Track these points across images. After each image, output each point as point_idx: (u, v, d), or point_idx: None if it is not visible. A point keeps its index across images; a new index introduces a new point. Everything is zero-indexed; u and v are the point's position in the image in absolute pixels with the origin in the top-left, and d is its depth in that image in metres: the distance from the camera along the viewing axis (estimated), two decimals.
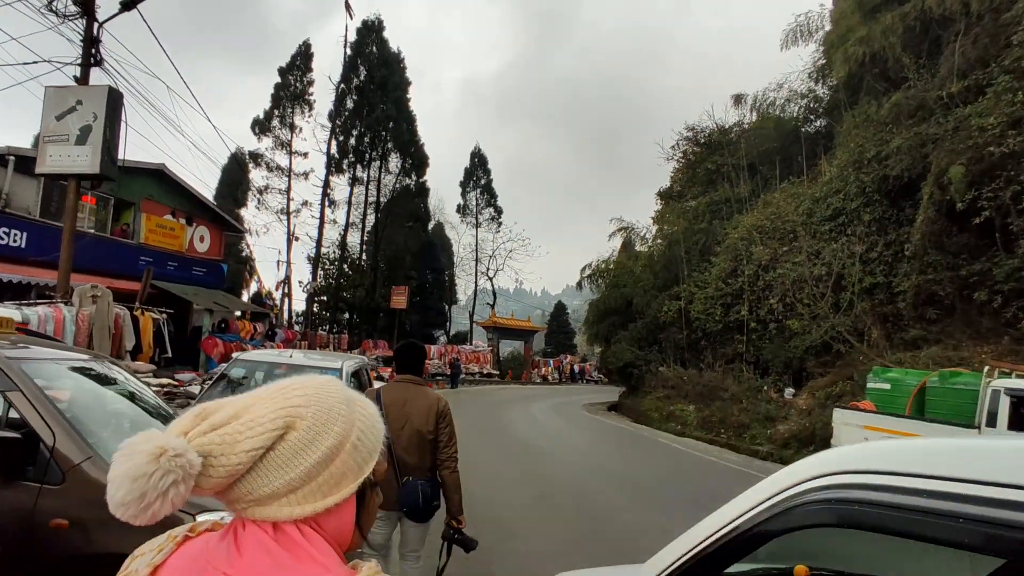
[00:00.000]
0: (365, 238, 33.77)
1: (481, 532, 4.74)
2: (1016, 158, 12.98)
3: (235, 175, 36.79)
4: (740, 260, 21.19)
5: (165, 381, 8.41)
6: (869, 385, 9.59)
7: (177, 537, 0.84)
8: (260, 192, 30.39)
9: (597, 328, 30.10)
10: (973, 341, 14.33)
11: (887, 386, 9.12)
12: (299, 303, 31.53)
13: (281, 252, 28.69)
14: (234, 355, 6.94)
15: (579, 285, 31.35)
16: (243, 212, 39.71)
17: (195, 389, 9.95)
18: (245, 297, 37.55)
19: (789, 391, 17.84)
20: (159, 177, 18.97)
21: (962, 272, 14.83)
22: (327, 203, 31.14)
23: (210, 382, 6.31)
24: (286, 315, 26.35)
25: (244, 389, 6.81)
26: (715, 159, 29.75)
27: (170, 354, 13.48)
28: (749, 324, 20.19)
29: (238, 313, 23.54)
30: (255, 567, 0.75)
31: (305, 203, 30.28)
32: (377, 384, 7.12)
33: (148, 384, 7.93)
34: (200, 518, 1.19)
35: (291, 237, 29.19)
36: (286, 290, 26.72)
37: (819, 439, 13.27)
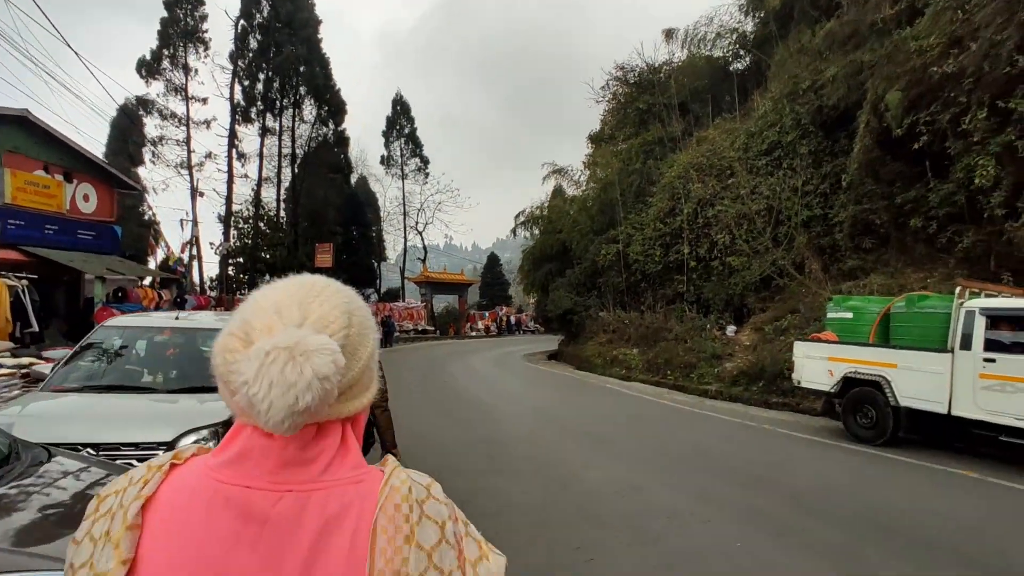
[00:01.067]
0: (283, 194, 31.23)
1: None
2: (955, 79, 12.74)
3: (128, 129, 33.06)
4: (678, 199, 20.73)
5: (27, 361, 6.86)
6: (829, 315, 9.17)
7: (163, 466, 0.78)
8: (155, 144, 27.18)
9: (533, 276, 29.36)
10: (910, 268, 14.41)
11: (849, 315, 8.70)
12: (214, 267, 28.99)
13: (188, 212, 25.89)
14: (104, 324, 5.51)
15: (513, 232, 30.35)
16: (141, 171, 36.08)
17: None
18: (152, 265, 34.38)
19: (731, 328, 17.73)
20: (24, 125, 16.21)
21: (897, 200, 14.78)
22: (235, 156, 28.35)
23: (71, 355, 4.90)
24: (196, 280, 23.94)
25: (126, 360, 5.42)
26: (646, 99, 29.04)
27: (35, 328, 11.53)
28: (689, 263, 19.89)
29: (147, 280, 21.21)
30: (333, 463, 0.77)
31: (209, 155, 27.38)
32: None
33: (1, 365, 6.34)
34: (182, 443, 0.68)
35: (195, 192, 26.36)
36: (193, 252, 24.21)
37: (768, 373, 13.09)
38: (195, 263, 25.53)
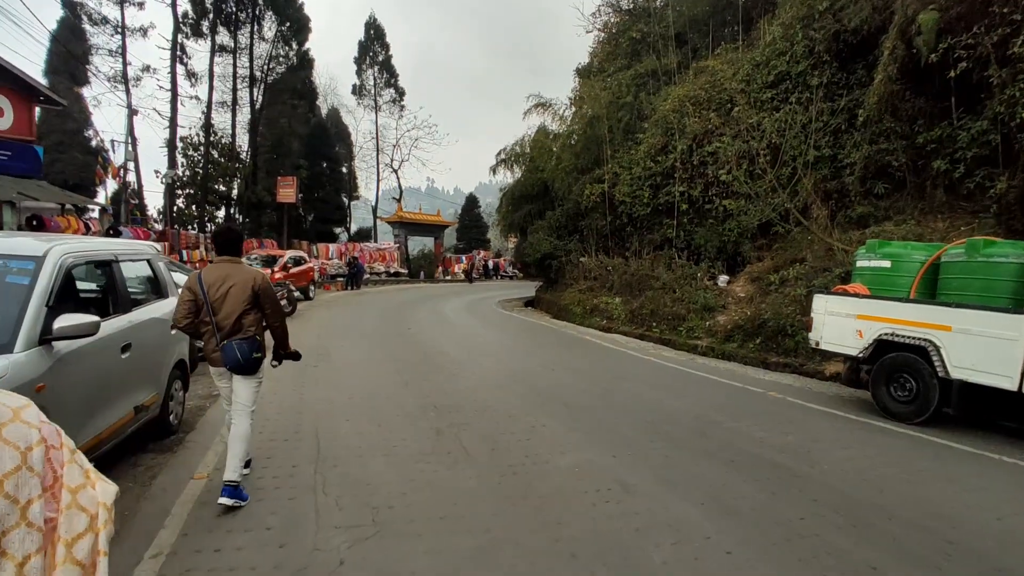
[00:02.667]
0: (239, 120, 28.52)
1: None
2: None
3: (69, 43, 29.71)
4: (672, 135, 18.84)
5: None
6: (860, 263, 7.58)
7: None
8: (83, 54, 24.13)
9: (512, 218, 27.50)
10: (926, 216, 12.91)
11: (886, 264, 7.11)
12: (159, 197, 26.43)
13: (156, 137, 23.23)
14: None
15: (493, 170, 28.21)
16: (85, 92, 32.85)
17: None
18: (102, 197, 31.65)
19: (723, 278, 16.23)
20: None
21: (918, 140, 13.17)
22: (185, 74, 25.47)
23: None
24: (123, 209, 21.57)
25: None
26: (640, 28, 26.72)
27: None
28: (680, 206, 18.19)
29: (81, 208, 18.95)
30: None
31: (147, 68, 24.47)
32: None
33: None
34: None
35: (131, 110, 23.67)
36: (125, 179, 21.74)
37: (768, 329, 11.66)
38: (128, 190, 23.06)
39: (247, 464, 4.35)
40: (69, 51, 25.02)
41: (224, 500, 3.82)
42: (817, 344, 7.55)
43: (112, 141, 21.92)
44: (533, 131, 28.13)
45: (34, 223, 15.09)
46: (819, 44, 15.88)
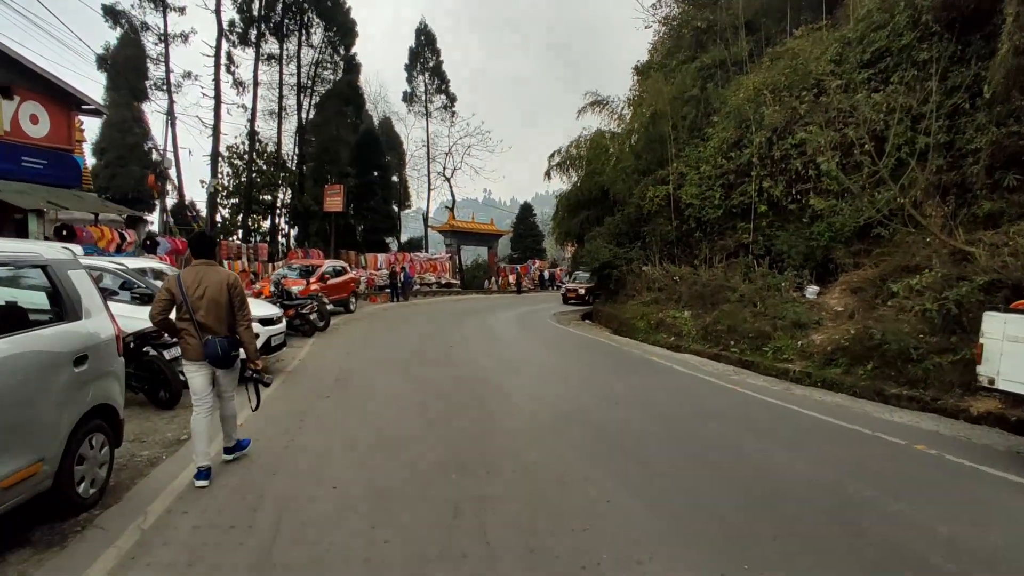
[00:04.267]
0: (285, 127, 27.89)
1: None
2: None
3: (133, 59, 30.03)
4: (747, 127, 16.70)
5: None
6: None
7: None
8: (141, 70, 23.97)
9: (568, 225, 25.72)
10: None
11: None
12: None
13: (203, 147, 22.91)
14: None
15: (547, 174, 26.53)
16: (146, 107, 33.21)
17: None
18: (159, 210, 31.82)
19: (812, 289, 13.94)
20: None
21: None
22: (232, 82, 25.09)
23: None
24: (165, 220, 21.10)
25: None
26: (705, 16, 24.64)
27: None
28: (758, 208, 15.99)
29: (116, 217, 18.41)
30: None
31: (188, 75, 24.12)
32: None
33: None
34: None
35: (171, 117, 23.27)
36: (164, 187, 21.23)
37: (886, 353, 9.43)
38: (166, 199, 22.60)
39: (238, 447, 4.95)
40: (114, 67, 25.02)
41: (227, 456, 4.87)
42: (992, 382, 5.44)
43: (150, 147, 21.47)
44: (589, 132, 26.42)
45: (64, 232, 14.42)
46: (926, 13, 13.47)
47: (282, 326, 9.29)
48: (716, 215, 17.33)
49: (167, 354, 6.42)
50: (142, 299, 7.59)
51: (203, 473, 4.39)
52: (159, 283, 8.24)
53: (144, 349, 6.40)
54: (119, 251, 15.49)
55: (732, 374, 10.73)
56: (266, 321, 8.64)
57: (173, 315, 4.54)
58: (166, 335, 6.55)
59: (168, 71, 23.67)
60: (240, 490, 4.31)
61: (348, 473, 4.71)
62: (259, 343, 7.52)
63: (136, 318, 7.26)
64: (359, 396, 7.58)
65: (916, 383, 8.75)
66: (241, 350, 4.67)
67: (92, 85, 29.53)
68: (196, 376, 4.58)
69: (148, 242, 16.64)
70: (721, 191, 17.15)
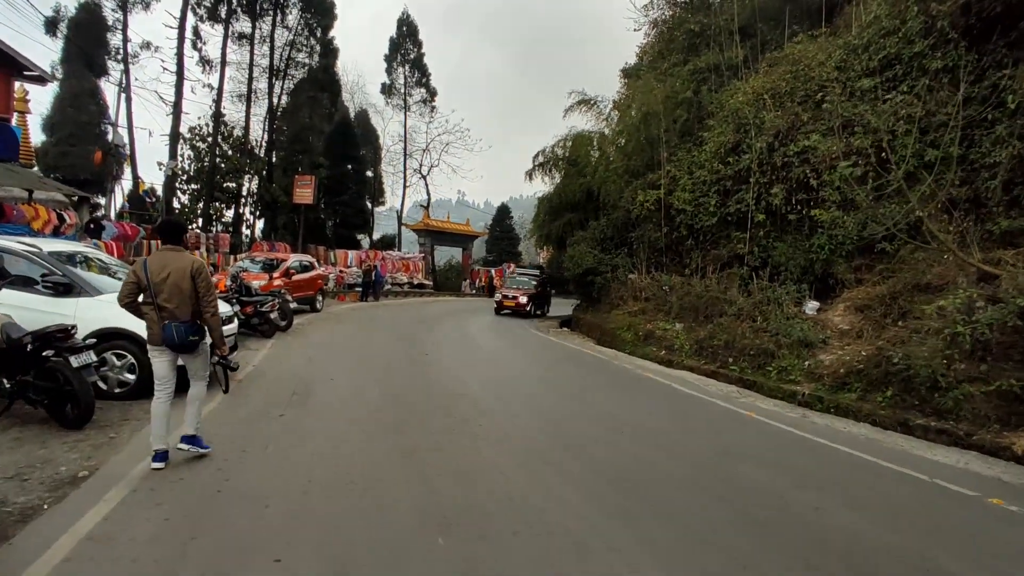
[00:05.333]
0: (254, 111, 26.20)
1: None
2: None
3: (93, 29, 28.00)
4: (746, 132, 15.87)
5: None
6: None
7: None
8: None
9: (549, 228, 24.68)
10: None
11: None
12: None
13: (162, 126, 20.99)
14: None
15: (529, 175, 25.48)
16: (104, 84, 31.15)
17: None
18: (119, 196, 29.73)
19: (811, 305, 13.13)
20: None
21: None
22: (198, 60, 23.40)
23: None
24: (116, 204, 19.40)
25: None
26: (699, 19, 23.92)
27: None
28: (756, 216, 15.16)
29: (61, 197, 16.69)
30: None
31: (147, 45, 22.33)
32: None
33: None
34: None
35: (126, 91, 21.49)
36: (115, 167, 19.50)
37: (908, 378, 8.58)
38: (115, 183, 20.90)
39: (196, 442, 4.66)
40: (68, 33, 23.17)
41: (182, 446, 4.59)
42: None
43: (108, 124, 19.65)
44: (574, 131, 25.47)
45: None
46: (942, 19, 12.81)
47: (232, 327, 7.97)
48: (710, 223, 16.47)
49: (75, 360, 5.12)
50: (55, 289, 6.25)
51: (160, 455, 4.46)
52: (83, 272, 6.90)
53: (45, 353, 5.09)
54: (56, 234, 13.90)
55: (737, 395, 9.78)
56: None
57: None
58: (74, 336, 5.29)
59: (125, 39, 21.86)
60: (143, 564, 3.09)
61: (297, 535, 3.52)
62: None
63: (44, 312, 5.94)
64: (321, 416, 6.36)
65: (944, 414, 7.90)
66: (194, 336, 4.58)
67: (44, 53, 27.43)
68: (158, 361, 4.62)
69: (92, 225, 15.05)
70: (717, 198, 16.31)
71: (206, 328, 4.66)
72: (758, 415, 8.05)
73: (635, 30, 29.81)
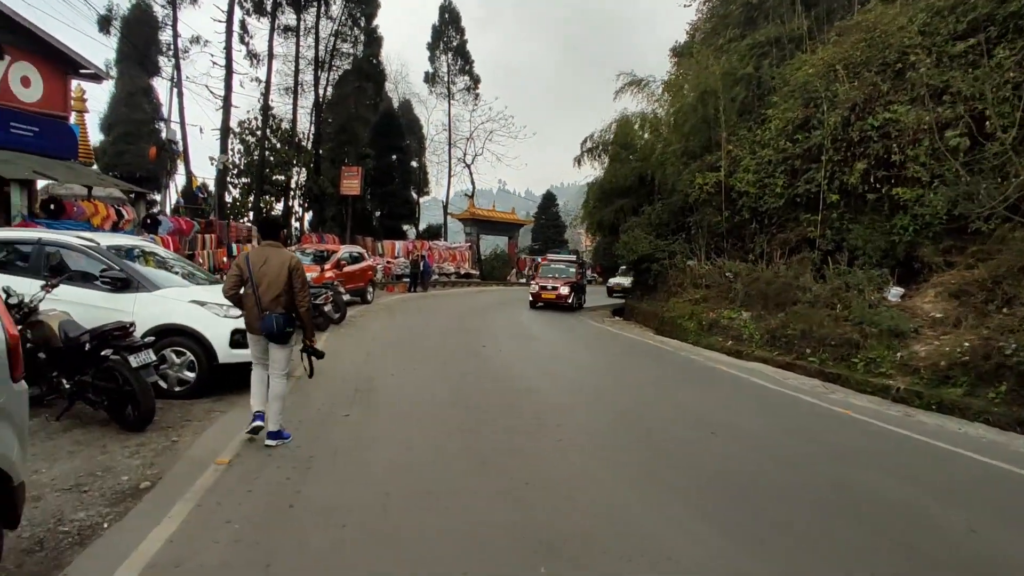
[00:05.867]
0: (301, 103, 26.17)
1: None
2: None
3: (145, 32, 28.50)
4: (817, 106, 14.83)
5: None
6: None
7: None
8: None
9: (601, 214, 23.91)
10: None
11: None
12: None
13: (213, 121, 21.12)
14: None
15: (578, 161, 24.75)
16: (156, 83, 31.74)
17: None
18: (174, 192, 30.33)
19: (895, 291, 12.15)
20: None
21: None
22: (245, 53, 23.48)
23: None
24: (173, 198, 19.63)
25: None
26: None
27: None
28: (828, 197, 14.16)
29: (119, 194, 16.91)
30: None
31: (196, 39, 22.48)
32: None
33: None
34: None
35: (178, 86, 21.68)
36: (168, 164, 19.68)
37: (1018, 371, 7.70)
38: (170, 177, 21.12)
39: (279, 436, 4.83)
40: (123, 31, 23.55)
41: (269, 442, 4.74)
42: None
43: (161, 120, 19.82)
44: (625, 114, 24.54)
45: (51, 207, 12.96)
46: None
47: None
48: (776, 205, 15.51)
49: (134, 359, 4.83)
50: (113, 285, 6.01)
51: (259, 416, 4.85)
52: (140, 266, 6.67)
53: (103, 353, 4.82)
54: (115, 229, 14.01)
55: (823, 390, 9.01)
56: None
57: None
58: (132, 334, 5.01)
59: (175, 34, 22.05)
60: None
61: (382, 560, 3.08)
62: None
63: (102, 308, 5.70)
64: (385, 416, 5.97)
65: None
66: (289, 328, 4.82)
67: (97, 51, 28.02)
68: (254, 345, 4.99)
69: (148, 221, 15.14)
70: (784, 178, 15.33)
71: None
72: (855, 413, 7.30)
73: (685, 6, 28.66)
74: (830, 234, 14.28)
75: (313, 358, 5.10)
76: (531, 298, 19.79)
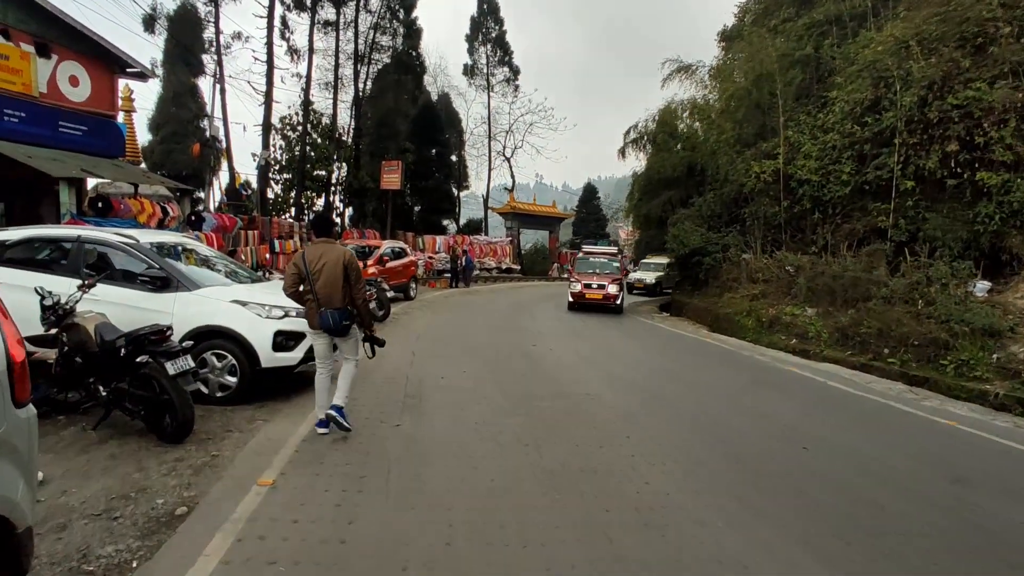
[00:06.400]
0: (341, 97, 25.99)
1: None
2: None
3: (189, 30, 28.82)
4: (888, 85, 13.76)
5: None
6: None
7: None
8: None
9: (647, 207, 23.07)
10: None
11: None
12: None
13: (255, 116, 21.08)
14: None
15: (622, 152, 23.96)
16: (201, 83, 32.10)
17: None
18: (217, 189, 30.69)
19: (981, 285, 11.15)
20: None
21: None
22: (286, 49, 23.38)
23: None
24: (216, 195, 19.67)
25: None
26: None
27: None
28: (903, 184, 13.13)
29: (165, 191, 16.98)
30: None
31: (238, 35, 22.39)
32: None
33: None
34: None
35: (221, 82, 21.66)
36: (211, 162, 19.69)
37: None
38: (214, 173, 21.19)
39: (340, 416, 4.98)
40: (170, 31, 23.74)
41: (330, 412, 4.98)
42: None
43: (212, 116, 19.79)
44: (675, 101, 23.59)
45: (99, 204, 12.95)
46: None
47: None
48: (842, 193, 14.52)
49: (171, 367, 4.46)
50: (152, 284, 5.68)
51: (322, 422, 5.01)
52: (182, 264, 6.34)
53: (139, 359, 4.44)
54: (161, 226, 13.96)
55: (912, 395, 8.18)
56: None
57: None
58: (170, 338, 4.63)
59: (217, 31, 21.97)
60: None
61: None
62: (308, 344, 5.80)
63: (141, 308, 5.37)
64: (439, 425, 5.48)
65: None
66: (346, 321, 4.96)
67: (143, 50, 28.69)
68: (317, 342, 5.10)
69: (193, 218, 15.09)
70: (851, 164, 14.31)
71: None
72: (962, 425, 6.49)
73: None
74: (903, 224, 13.26)
75: (376, 346, 5.21)
76: (571, 299, 17.25)
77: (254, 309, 5.79)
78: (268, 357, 5.73)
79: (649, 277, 25.50)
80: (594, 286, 17.14)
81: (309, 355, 6.02)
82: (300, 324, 5.91)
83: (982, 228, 11.73)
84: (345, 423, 4.93)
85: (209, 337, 5.64)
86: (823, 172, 15.01)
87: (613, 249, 21.86)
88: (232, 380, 5.68)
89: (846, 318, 11.64)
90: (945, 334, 9.47)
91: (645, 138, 24.01)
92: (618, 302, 17.25)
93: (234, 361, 5.65)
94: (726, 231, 18.13)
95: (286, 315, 5.92)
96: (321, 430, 4.94)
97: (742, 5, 26.95)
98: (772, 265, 15.47)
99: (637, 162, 25.20)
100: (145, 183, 14.76)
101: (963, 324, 9.40)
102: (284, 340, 5.87)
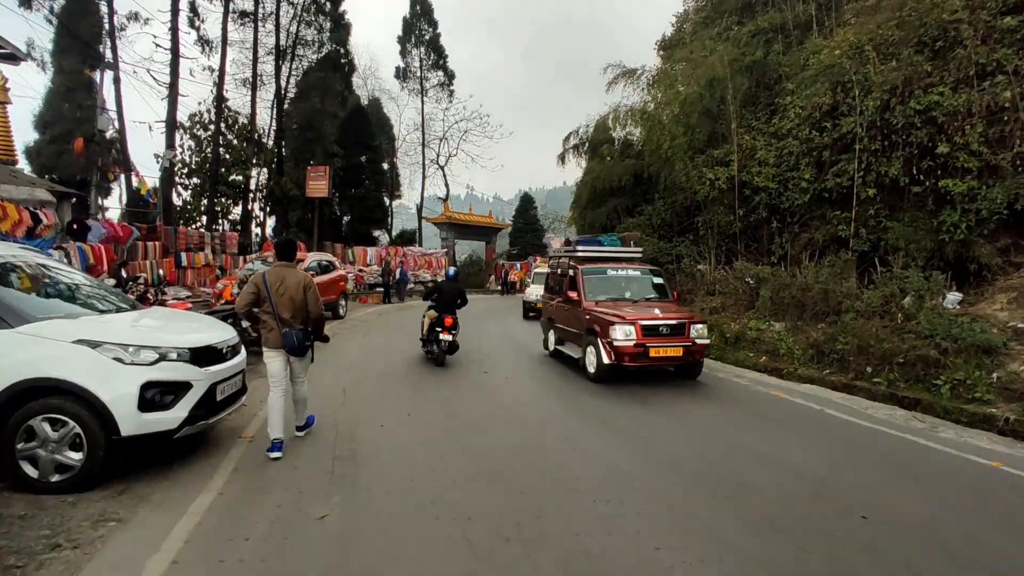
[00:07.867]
0: (260, 95, 23.74)
1: None
2: None
3: (80, 15, 25.71)
4: (847, 90, 13.29)
5: None
6: None
7: None
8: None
9: (591, 216, 22.13)
10: None
11: None
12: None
13: (158, 113, 18.42)
14: None
15: (561, 158, 23.01)
16: (96, 76, 28.82)
17: None
18: (117, 194, 27.45)
19: (952, 297, 10.60)
20: None
21: None
22: (196, 40, 20.99)
23: None
24: (113, 202, 17.18)
25: None
26: None
27: None
28: (863, 192, 12.61)
29: (46, 196, 14.40)
30: None
31: (135, 16, 19.92)
32: None
33: None
34: None
35: (114, 68, 19.04)
36: (101, 160, 17.11)
37: None
38: (117, 175, 18.59)
39: (308, 425, 5.70)
40: (62, 22, 20.88)
41: (298, 434, 5.54)
42: None
43: (103, 109, 17.14)
44: (620, 107, 22.81)
45: None
46: None
47: (236, 362, 5.32)
48: (801, 201, 13.93)
49: None
50: None
51: (276, 446, 4.99)
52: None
53: None
54: (31, 236, 11.63)
55: (921, 424, 7.26)
56: (203, 354, 4.63)
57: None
58: None
59: (112, 11, 19.38)
60: None
61: None
62: (196, 396, 4.21)
63: None
64: (383, 510, 3.96)
65: None
66: (307, 342, 5.26)
67: (22, 34, 25.11)
68: (273, 361, 5.15)
69: (75, 226, 12.76)
70: (811, 171, 13.75)
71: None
72: (1007, 466, 5.52)
73: None
74: (864, 233, 12.74)
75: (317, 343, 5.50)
76: (524, 307, 12.73)
77: (109, 351, 4.04)
78: (132, 421, 4.01)
79: (536, 294, 23.84)
80: (662, 329, 8.87)
81: (197, 412, 4.34)
82: (183, 371, 4.24)
83: (948, 237, 11.27)
84: (310, 423, 5.72)
85: (38, 395, 3.87)
86: (781, 179, 14.42)
87: (638, 251, 11.97)
88: (76, 457, 3.93)
89: (818, 333, 10.85)
90: (933, 351, 8.73)
91: (586, 145, 23.14)
92: (702, 356, 9.58)
93: (78, 429, 3.90)
94: (678, 241, 17.34)
95: (161, 359, 4.22)
96: (273, 454, 4.90)
97: (680, 15, 26.74)
98: (730, 276, 14.71)
99: (578, 168, 24.31)
100: (11, 183, 12.32)
101: (951, 340, 8.68)
102: (157, 395, 4.16)
